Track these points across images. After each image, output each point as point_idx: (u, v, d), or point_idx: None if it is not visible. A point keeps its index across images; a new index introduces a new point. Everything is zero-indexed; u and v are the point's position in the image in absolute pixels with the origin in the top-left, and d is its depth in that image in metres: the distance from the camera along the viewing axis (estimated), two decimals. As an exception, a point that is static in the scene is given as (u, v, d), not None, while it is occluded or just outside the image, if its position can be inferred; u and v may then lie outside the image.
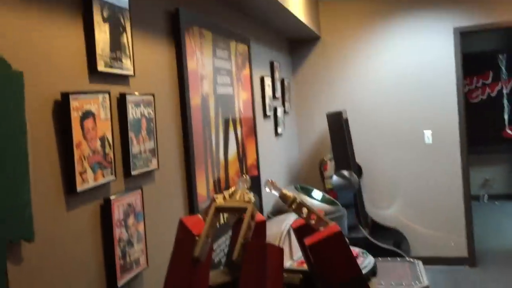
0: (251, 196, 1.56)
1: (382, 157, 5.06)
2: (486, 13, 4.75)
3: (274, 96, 4.28)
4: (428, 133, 4.94)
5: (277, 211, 3.53)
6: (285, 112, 4.65)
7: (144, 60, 2.06)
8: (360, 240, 4.37)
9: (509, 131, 7.63)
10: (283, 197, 1.61)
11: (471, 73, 7.48)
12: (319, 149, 5.16)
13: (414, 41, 4.93)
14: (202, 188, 2.54)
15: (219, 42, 2.96)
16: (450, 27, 4.83)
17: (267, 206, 3.71)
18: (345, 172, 4.25)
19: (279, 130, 4.35)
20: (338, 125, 4.37)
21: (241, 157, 3.26)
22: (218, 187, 2.80)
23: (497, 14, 4.73)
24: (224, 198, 1.59)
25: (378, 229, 4.87)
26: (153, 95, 2.06)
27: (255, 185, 3.49)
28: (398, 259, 3.36)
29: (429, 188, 4.97)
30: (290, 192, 1.62)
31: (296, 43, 5.20)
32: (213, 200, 1.58)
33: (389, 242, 4.89)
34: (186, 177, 2.39)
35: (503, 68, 7.63)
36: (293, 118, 5.09)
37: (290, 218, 2.68)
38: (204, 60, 2.69)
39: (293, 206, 1.56)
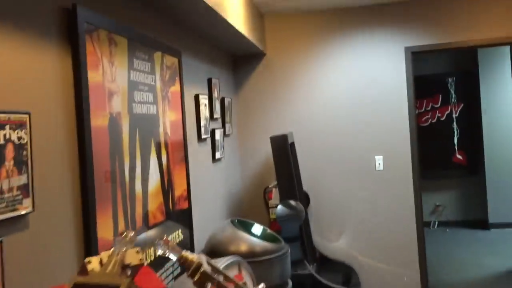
0: (136, 258, 1.08)
1: (331, 184, 4.68)
2: (437, 34, 4.51)
3: (212, 117, 3.82)
4: (379, 159, 4.60)
5: (213, 251, 3.04)
6: (225, 134, 4.20)
7: (15, 68, 1.56)
8: (305, 278, 3.94)
9: (459, 156, 7.48)
10: (183, 262, 1.15)
11: (421, 96, 7.31)
12: (263, 175, 4.72)
13: (364, 60, 4.62)
14: (107, 231, 2.03)
15: (139, 52, 2.48)
16: (401, 46, 4.55)
17: (201, 243, 3.22)
18: (291, 202, 3.83)
19: (218, 155, 3.88)
20: (282, 149, 3.96)
21: (167, 187, 2.77)
22: (133, 226, 2.30)
23: (448, 34, 4.50)
24: (101, 262, 1.11)
25: (326, 263, 4.45)
26: (29, 114, 1.56)
27: (184, 219, 3.00)
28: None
29: (380, 217, 4.61)
30: (192, 255, 1.15)
31: (240, 59, 4.78)
32: (84, 265, 1.09)
33: (338, 277, 4.48)
34: (82, 219, 1.88)
35: (452, 92, 7.51)
36: (234, 141, 4.64)
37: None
38: (115, 72, 2.20)
39: (195, 278, 1.08)
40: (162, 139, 2.74)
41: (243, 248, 3.04)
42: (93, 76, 1.98)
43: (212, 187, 3.73)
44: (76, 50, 1.88)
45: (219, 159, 3.96)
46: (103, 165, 2.03)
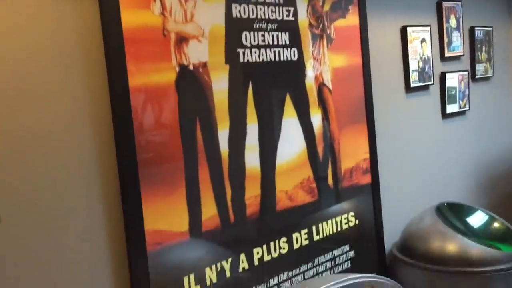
0: None
1: None
2: None
3: (442, 56, 2.77)
4: None
5: (405, 248, 2.21)
6: (473, 78, 3.03)
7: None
8: None
9: None
10: None
11: None
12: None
13: None
14: (170, 221, 1.55)
15: (257, -23, 1.82)
16: None
17: (394, 229, 2.38)
18: None
19: (452, 108, 2.81)
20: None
21: (322, 158, 2.07)
22: (239, 213, 1.75)
23: None
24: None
25: None
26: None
27: (361, 198, 2.24)
28: None
29: None
30: None
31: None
32: None
33: None
34: (122, 207, 1.45)
35: None
36: (496, 87, 3.32)
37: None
38: (192, 9, 1.63)
39: None
40: (312, 94, 2.03)
41: (449, 248, 2.07)
42: (136, 17, 1.48)
43: (434, 154, 2.73)
44: (103, -16, 1.40)
45: (455, 114, 2.88)
46: (160, 135, 1.53)
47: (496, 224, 2.23)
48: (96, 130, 1.41)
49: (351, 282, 1.52)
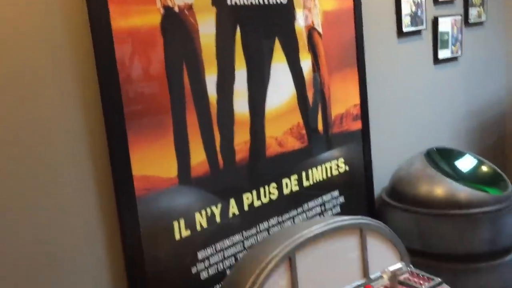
0: None
1: None
2: None
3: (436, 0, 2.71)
4: None
5: (394, 192, 2.23)
6: (467, 23, 2.97)
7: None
8: None
9: None
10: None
11: None
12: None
13: None
14: (157, 166, 1.54)
15: None
16: None
17: (384, 174, 2.40)
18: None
19: (443, 53, 2.78)
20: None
21: (312, 103, 2.05)
22: (228, 158, 1.74)
23: None
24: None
25: None
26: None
27: (352, 145, 2.24)
28: None
29: None
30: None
31: None
32: None
33: None
34: (109, 151, 1.44)
35: None
36: (490, 32, 3.27)
37: (303, 233, 1.47)
38: None
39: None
40: (302, 38, 1.99)
41: (437, 191, 2.10)
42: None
43: (425, 100, 2.72)
44: None
45: (447, 60, 2.84)
46: (146, 81, 1.50)
47: (484, 168, 2.25)
48: (79, 73, 1.37)
49: (340, 224, 1.53)
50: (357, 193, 2.28)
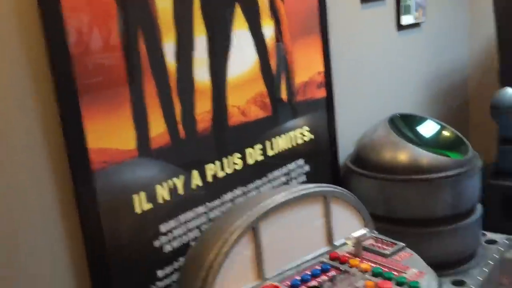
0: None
1: None
2: None
3: (398, -36, 2.68)
4: None
5: (359, 159, 2.23)
6: (430, -11, 2.96)
7: None
8: None
9: None
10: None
11: None
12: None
13: None
14: (116, 138, 1.49)
15: None
16: None
17: (349, 142, 2.40)
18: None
19: (406, 19, 2.76)
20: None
21: (275, 71, 2.01)
22: (189, 128, 1.70)
23: None
24: None
25: None
26: None
27: (316, 113, 2.22)
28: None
29: None
30: None
31: None
32: None
33: None
34: (62, 126, 1.37)
35: None
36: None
37: (275, 198, 1.45)
38: None
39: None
40: (264, 3, 1.93)
41: (400, 157, 2.11)
42: None
43: (388, 67, 2.71)
44: None
45: (410, 26, 2.84)
46: (100, 48, 1.43)
47: (446, 133, 2.27)
48: (26, 42, 1.29)
49: (303, 192, 1.52)
50: (322, 161, 2.28)
